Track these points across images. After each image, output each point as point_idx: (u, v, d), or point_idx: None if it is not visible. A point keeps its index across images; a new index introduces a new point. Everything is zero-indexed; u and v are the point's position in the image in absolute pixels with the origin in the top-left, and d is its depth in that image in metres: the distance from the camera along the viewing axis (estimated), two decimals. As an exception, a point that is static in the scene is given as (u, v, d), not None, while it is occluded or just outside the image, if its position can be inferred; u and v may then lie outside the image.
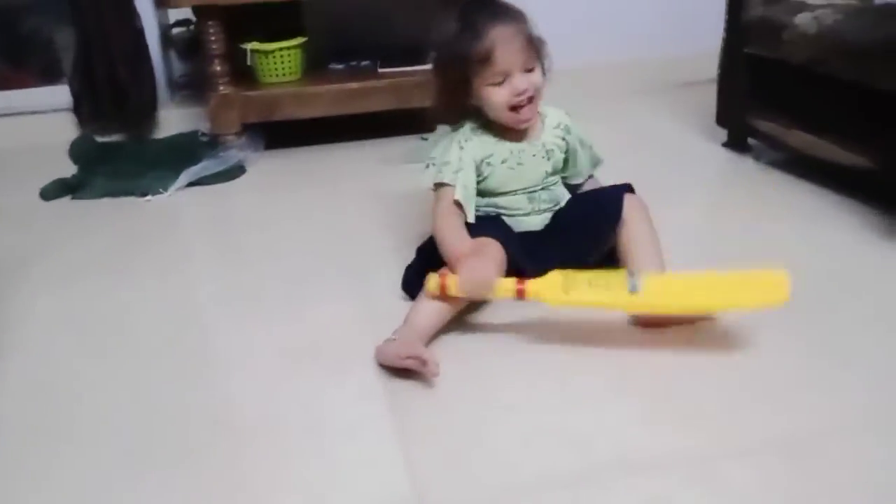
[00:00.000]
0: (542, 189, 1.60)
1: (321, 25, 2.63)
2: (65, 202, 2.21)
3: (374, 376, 1.34)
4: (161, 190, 2.21)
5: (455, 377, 1.32)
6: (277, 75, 2.47)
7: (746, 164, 2.24)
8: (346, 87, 2.45)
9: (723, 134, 2.34)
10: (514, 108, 1.50)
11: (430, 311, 1.41)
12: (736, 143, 2.31)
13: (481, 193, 1.57)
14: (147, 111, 2.63)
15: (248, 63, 2.46)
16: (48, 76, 2.75)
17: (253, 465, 1.16)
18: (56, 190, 2.24)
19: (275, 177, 2.34)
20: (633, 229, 1.52)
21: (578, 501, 1.07)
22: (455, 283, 1.39)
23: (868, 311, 1.49)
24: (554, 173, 1.62)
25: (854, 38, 1.80)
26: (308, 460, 1.17)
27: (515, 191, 1.58)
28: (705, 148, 2.36)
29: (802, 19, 1.93)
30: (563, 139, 1.61)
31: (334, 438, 1.21)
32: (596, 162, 1.68)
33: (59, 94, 2.64)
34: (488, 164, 1.55)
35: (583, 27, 2.83)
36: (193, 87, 2.74)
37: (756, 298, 1.35)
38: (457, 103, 1.55)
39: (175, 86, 2.83)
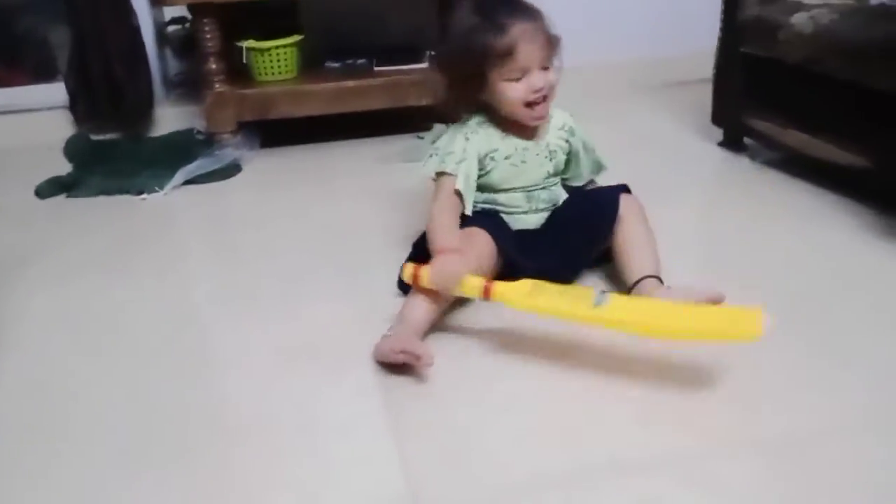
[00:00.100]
0: (542, 189, 1.61)
1: (317, 24, 2.63)
2: (60, 200, 2.21)
3: (370, 374, 1.34)
4: (157, 188, 2.21)
5: (450, 376, 1.32)
6: (273, 73, 2.47)
7: (742, 163, 2.24)
8: (342, 85, 2.44)
9: (718, 133, 2.34)
10: (530, 105, 1.50)
11: (422, 305, 1.41)
12: (731, 142, 2.31)
13: (481, 188, 1.57)
14: (143, 109, 2.62)
15: (244, 61, 2.45)
16: (44, 74, 2.74)
17: (248, 463, 1.16)
18: (51, 188, 2.24)
19: (271, 175, 2.34)
20: (628, 229, 1.53)
21: (571, 500, 1.07)
22: (427, 275, 1.41)
23: (866, 310, 1.49)
24: (555, 174, 1.63)
25: (850, 37, 1.80)
26: (302, 458, 1.17)
27: (515, 188, 1.59)
28: (701, 147, 2.36)
29: (798, 19, 1.93)
30: (567, 141, 1.62)
31: (329, 436, 1.21)
32: (599, 168, 1.69)
33: (55, 92, 2.63)
34: (492, 158, 1.55)
35: (578, 26, 2.81)
36: (189, 86, 2.73)
37: (726, 331, 1.27)
38: (468, 98, 1.55)
39: (170, 84, 2.82)
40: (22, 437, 1.25)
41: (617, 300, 1.36)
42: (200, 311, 1.62)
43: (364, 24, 2.69)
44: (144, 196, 2.19)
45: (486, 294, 1.38)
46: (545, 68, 1.49)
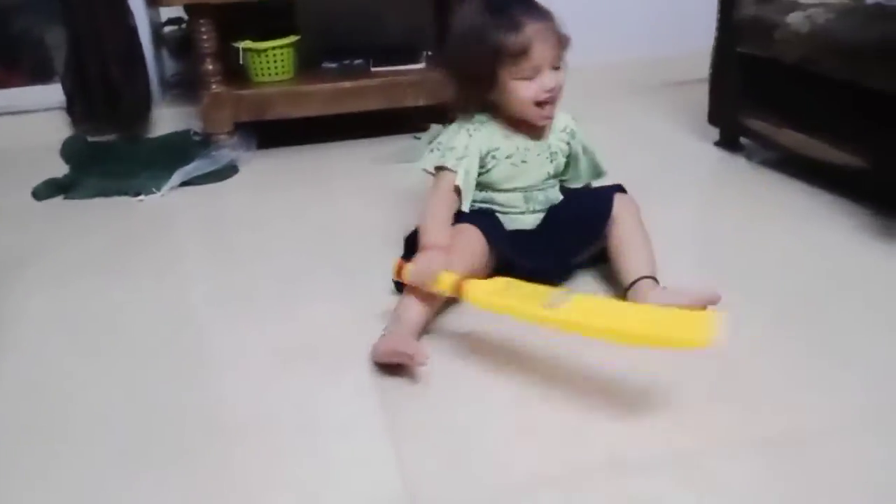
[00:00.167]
0: (540, 190, 1.61)
1: (314, 24, 2.63)
2: (57, 202, 2.20)
3: (367, 375, 1.35)
4: (154, 189, 2.21)
5: (448, 376, 1.32)
6: (270, 74, 2.47)
7: (738, 163, 2.24)
8: (339, 86, 2.44)
9: (715, 133, 2.34)
10: (540, 104, 1.50)
11: (415, 304, 1.41)
12: (728, 142, 2.31)
13: (480, 187, 1.57)
14: (140, 110, 2.62)
15: (241, 62, 2.45)
16: (40, 75, 2.73)
17: (246, 464, 1.16)
18: (48, 190, 2.23)
19: (267, 176, 2.34)
20: (623, 229, 1.53)
21: (570, 500, 1.07)
22: (408, 271, 1.42)
23: (863, 310, 1.49)
24: (555, 175, 1.63)
25: (846, 37, 1.81)
26: (301, 459, 1.17)
27: (514, 188, 1.59)
28: (697, 147, 2.36)
29: (794, 18, 1.93)
30: (568, 143, 1.62)
31: (327, 437, 1.21)
32: (598, 173, 1.69)
33: (52, 94, 2.63)
34: (493, 157, 1.55)
35: (575, 27, 2.83)
36: (185, 86, 2.73)
37: (676, 338, 1.22)
38: (477, 96, 1.55)
39: (167, 85, 2.82)
40: (20, 437, 1.25)
41: (576, 302, 1.31)
42: (198, 311, 1.62)
43: (361, 24, 2.69)
44: (141, 197, 2.19)
45: (458, 292, 1.38)
46: (556, 68, 1.50)
